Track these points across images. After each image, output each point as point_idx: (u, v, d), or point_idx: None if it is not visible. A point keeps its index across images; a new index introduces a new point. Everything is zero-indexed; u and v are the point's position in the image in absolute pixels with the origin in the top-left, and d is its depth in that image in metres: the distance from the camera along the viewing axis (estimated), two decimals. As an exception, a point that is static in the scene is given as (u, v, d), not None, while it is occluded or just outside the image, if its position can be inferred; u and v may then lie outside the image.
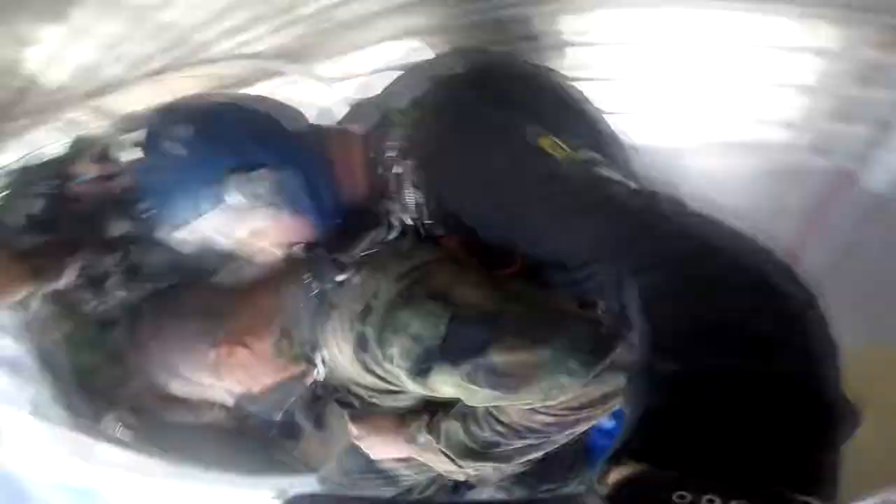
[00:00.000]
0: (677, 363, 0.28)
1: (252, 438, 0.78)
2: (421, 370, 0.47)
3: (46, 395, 1.44)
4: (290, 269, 0.61)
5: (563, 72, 1.52)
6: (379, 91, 0.73)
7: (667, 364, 0.29)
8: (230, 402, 0.66)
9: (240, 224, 0.56)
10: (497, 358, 0.44)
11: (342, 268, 0.53)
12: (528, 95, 0.56)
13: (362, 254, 0.54)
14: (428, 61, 0.66)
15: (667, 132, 1.62)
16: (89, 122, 1.38)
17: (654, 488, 0.24)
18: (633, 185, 0.43)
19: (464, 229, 0.49)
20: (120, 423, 0.85)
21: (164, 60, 1.08)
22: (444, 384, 0.48)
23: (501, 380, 0.44)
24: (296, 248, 0.61)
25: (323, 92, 1.70)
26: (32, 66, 0.95)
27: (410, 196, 0.50)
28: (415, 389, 0.53)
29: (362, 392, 0.60)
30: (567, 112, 0.58)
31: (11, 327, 1.40)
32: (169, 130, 0.55)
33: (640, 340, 0.32)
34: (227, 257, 0.65)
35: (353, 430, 0.65)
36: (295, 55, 1.37)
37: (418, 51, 1.48)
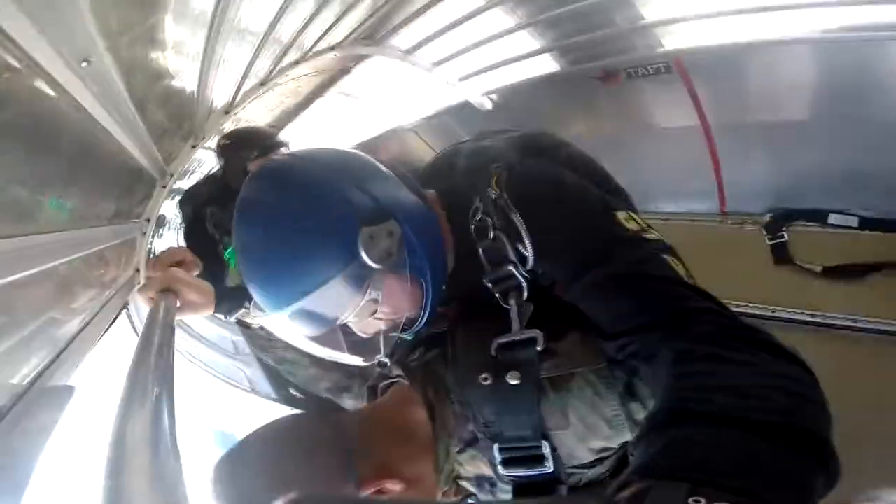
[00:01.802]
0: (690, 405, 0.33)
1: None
2: None
3: (260, 378, 1.76)
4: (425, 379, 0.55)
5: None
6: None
7: (683, 405, 0.33)
8: None
9: (358, 293, 0.50)
10: None
11: (532, 342, 0.48)
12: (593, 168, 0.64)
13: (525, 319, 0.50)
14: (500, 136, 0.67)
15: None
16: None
17: (669, 496, 0.25)
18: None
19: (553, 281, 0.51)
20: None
21: (271, 68, 1.25)
22: None
23: None
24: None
25: (426, 78, 1.78)
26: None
27: (526, 251, 0.49)
28: None
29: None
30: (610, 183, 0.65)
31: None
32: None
33: (664, 393, 0.37)
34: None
35: None
36: (370, 37, 1.50)
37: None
